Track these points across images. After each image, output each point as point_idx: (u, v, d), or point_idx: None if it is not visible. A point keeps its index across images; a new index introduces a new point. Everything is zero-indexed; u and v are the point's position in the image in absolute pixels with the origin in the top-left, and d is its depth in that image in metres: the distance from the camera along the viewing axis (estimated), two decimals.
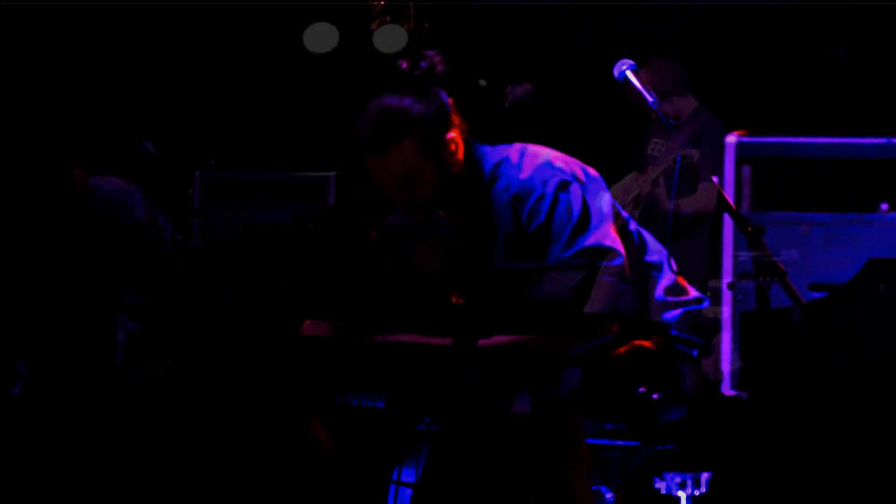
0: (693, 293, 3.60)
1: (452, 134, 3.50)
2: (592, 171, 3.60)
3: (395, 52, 7.45)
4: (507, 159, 3.56)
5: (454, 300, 3.58)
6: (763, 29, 7.12)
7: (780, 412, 3.30)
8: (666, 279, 3.60)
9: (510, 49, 7.71)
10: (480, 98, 7.56)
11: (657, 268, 3.62)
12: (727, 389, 3.80)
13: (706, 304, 3.55)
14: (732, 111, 7.02)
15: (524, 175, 3.50)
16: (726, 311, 4.78)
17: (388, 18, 7.48)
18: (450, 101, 3.54)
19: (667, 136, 6.33)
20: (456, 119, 3.53)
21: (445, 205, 3.58)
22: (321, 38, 7.64)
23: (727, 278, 4.49)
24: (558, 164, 3.51)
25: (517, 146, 3.61)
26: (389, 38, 7.45)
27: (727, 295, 4.68)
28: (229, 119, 7.84)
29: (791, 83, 7.02)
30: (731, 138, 5.14)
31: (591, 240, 3.40)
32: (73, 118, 6.81)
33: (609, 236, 3.42)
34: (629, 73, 3.48)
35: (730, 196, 4.59)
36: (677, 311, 3.54)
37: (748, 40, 7.19)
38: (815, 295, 4.41)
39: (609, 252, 3.37)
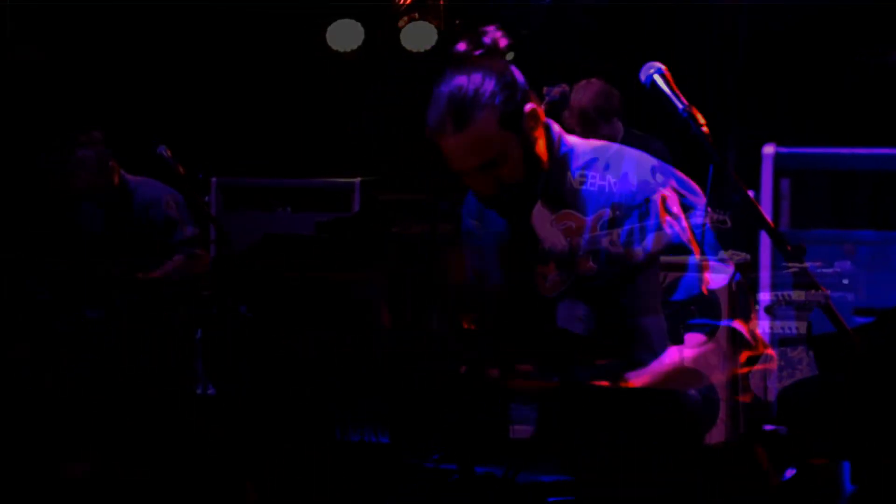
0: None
1: (532, 105, 3.21)
2: (690, 182, 3.28)
3: (423, 51, 7.35)
4: (598, 161, 3.23)
5: (465, 326, 3.35)
6: (804, 33, 6.91)
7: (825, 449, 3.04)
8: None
9: (546, 49, 7.56)
10: None
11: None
12: (765, 424, 3.55)
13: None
14: (769, 120, 6.81)
15: (628, 186, 3.18)
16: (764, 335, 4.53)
17: (417, 15, 7.35)
18: (520, 75, 3.26)
19: None
20: (532, 94, 3.24)
21: (528, 194, 3.28)
22: (346, 35, 7.50)
23: (765, 299, 4.22)
24: (659, 176, 3.18)
25: (614, 146, 3.27)
26: (418, 36, 7.32)
27: (765, 318, 4.43)
28: (248, 124, 7.72)
29: (834, 90, 6.78)
30: (769, 149, 4.86)
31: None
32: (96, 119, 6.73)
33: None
34: (657, 78, 3.20)
35: (767, 211, 4.31)
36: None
37: (787, 45, 6.97)
38: (861, 320, 4.14)
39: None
